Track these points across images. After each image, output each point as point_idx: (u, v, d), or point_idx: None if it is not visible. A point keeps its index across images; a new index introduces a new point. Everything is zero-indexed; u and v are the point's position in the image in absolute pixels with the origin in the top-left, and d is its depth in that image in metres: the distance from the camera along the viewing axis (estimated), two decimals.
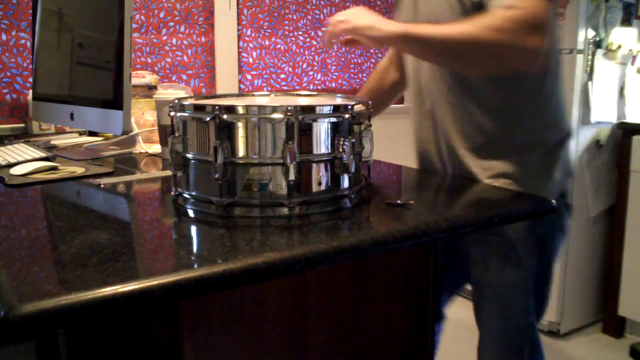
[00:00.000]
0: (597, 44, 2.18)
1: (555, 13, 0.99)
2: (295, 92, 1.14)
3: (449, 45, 0.94)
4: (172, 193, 0.88)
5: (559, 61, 1.09)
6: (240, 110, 0.78)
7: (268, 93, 1.14)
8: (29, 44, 1.92)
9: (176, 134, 0.84)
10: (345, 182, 0.83)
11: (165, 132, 1.24)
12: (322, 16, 2.57)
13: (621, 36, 2.25)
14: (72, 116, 1.39)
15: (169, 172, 0.99)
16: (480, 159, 1.08)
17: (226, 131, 0.78)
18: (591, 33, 2.15)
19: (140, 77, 1.67)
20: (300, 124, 0.77)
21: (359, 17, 1.00)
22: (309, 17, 2.54)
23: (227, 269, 0.60)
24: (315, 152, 0.80)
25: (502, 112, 1.06)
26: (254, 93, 1.21)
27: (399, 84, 1.39)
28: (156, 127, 1.36)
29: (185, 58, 2.25)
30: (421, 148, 1.20)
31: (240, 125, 0.78)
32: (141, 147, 1.42)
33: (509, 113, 1.06)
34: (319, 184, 0.81)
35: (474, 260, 1.14)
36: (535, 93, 1.06)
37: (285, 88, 2.55)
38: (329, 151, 0.81)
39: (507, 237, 1.07)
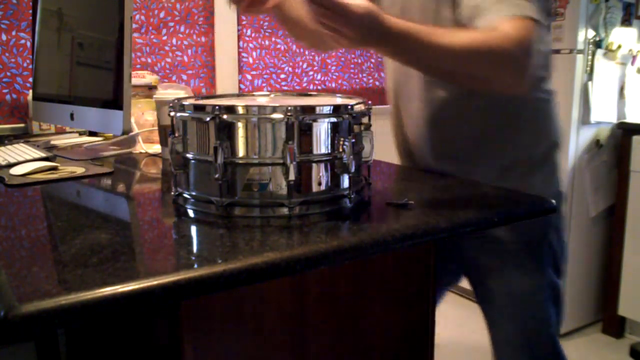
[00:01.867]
0: (597, 44, 2.18)
1: (546, 25, 0.94)
2: (295, 92, 1.14)
3: (451, 56, 0.83)
4: (172, 193, 0.88)
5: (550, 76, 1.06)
6: (240, 110, 0.78)
7: (268, 93, 1.14)
8: (29, 44, 1.91)
9: (176, 134, 0.84)
10: (345, 182, 0.83)
11: (165, 132, 1.24)
12: None
13: (621, 36, 2.25)
14: (72, 116, 1.39)
15: (169, 172, 0.99)
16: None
17: (226, 131, 0.78)
18: (591, 33, 2.15)
19: (140, 77, 1.67)
20: (300, 124, 0.77)
21: None
22: None
23: (227, 269, 0.60)
24: (315, 152, 0.80)
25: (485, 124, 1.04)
26: (254, 93, 1.21)
27: None
28: (156, 127, 1.36)
29: (185, 58, 2.25)
30: (406, 147, 1.17)
31: (240, 125, 0.78)
32: (141, 147, 1.42)
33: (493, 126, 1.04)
34: (319, 184, 0.81)
35: (488, 270, 1.09)
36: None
37: (285, 88, 2.54)
38: (329, 151, 0.81)
39: (522, 244, 1.05)
